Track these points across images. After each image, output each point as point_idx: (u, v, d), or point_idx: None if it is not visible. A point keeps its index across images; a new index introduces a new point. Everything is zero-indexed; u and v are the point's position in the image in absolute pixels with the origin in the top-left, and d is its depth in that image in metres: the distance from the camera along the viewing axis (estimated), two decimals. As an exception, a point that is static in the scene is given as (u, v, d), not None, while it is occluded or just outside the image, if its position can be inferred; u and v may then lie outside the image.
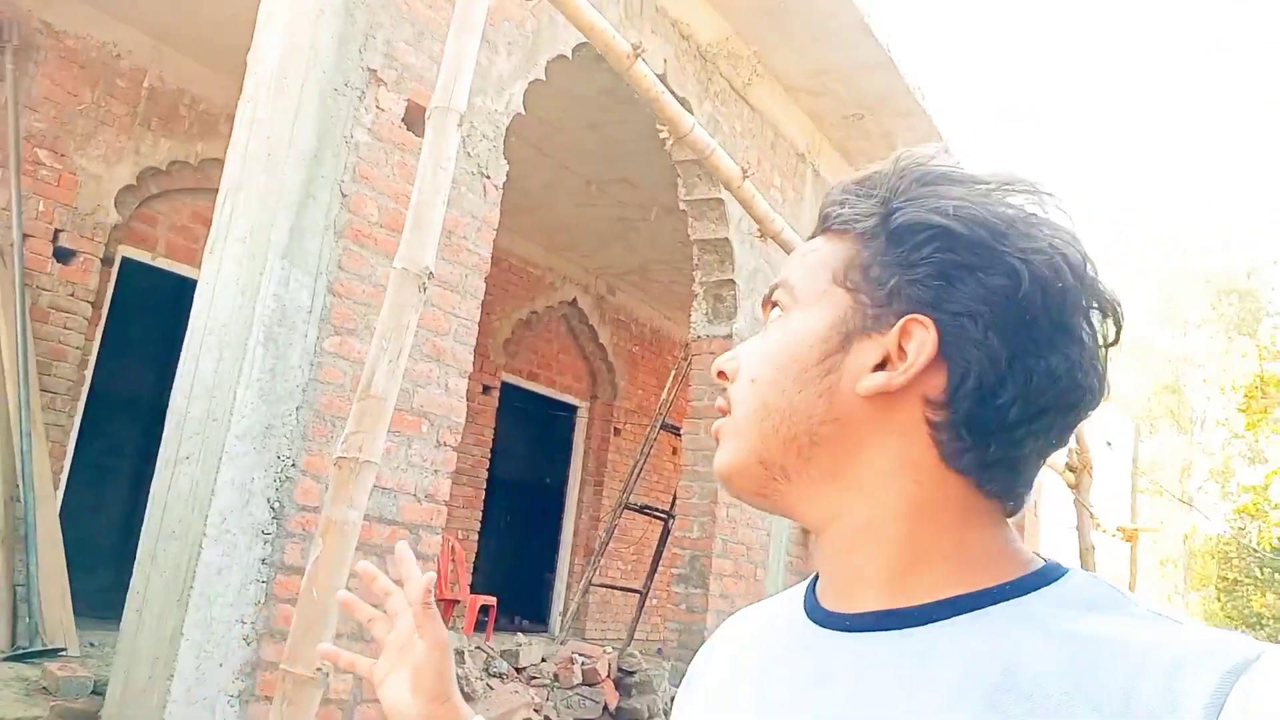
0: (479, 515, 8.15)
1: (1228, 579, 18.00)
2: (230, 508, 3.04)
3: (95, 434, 6.51)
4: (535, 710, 4.17)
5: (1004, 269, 0.57)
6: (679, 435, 5.69)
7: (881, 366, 0.59)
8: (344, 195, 3.40)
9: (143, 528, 3.14)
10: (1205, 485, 23.75)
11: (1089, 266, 0.59)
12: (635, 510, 6.01)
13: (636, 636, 5.92)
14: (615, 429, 9.49)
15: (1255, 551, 18.52)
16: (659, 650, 5.40)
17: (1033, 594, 0.56)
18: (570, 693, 4.56)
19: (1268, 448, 16.64)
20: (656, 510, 6.10)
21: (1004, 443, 0.57)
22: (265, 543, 3.14)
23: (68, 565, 4.98)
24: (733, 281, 5.57)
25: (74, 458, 5.98)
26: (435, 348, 3.72)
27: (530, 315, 8.53)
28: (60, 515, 5.46)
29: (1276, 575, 18.55)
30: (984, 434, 0.57)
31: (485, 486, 8.22)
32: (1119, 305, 0.60)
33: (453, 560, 6.95)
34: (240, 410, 3.07)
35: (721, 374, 0.67)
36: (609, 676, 4.69)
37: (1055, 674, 0.52)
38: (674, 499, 5.60)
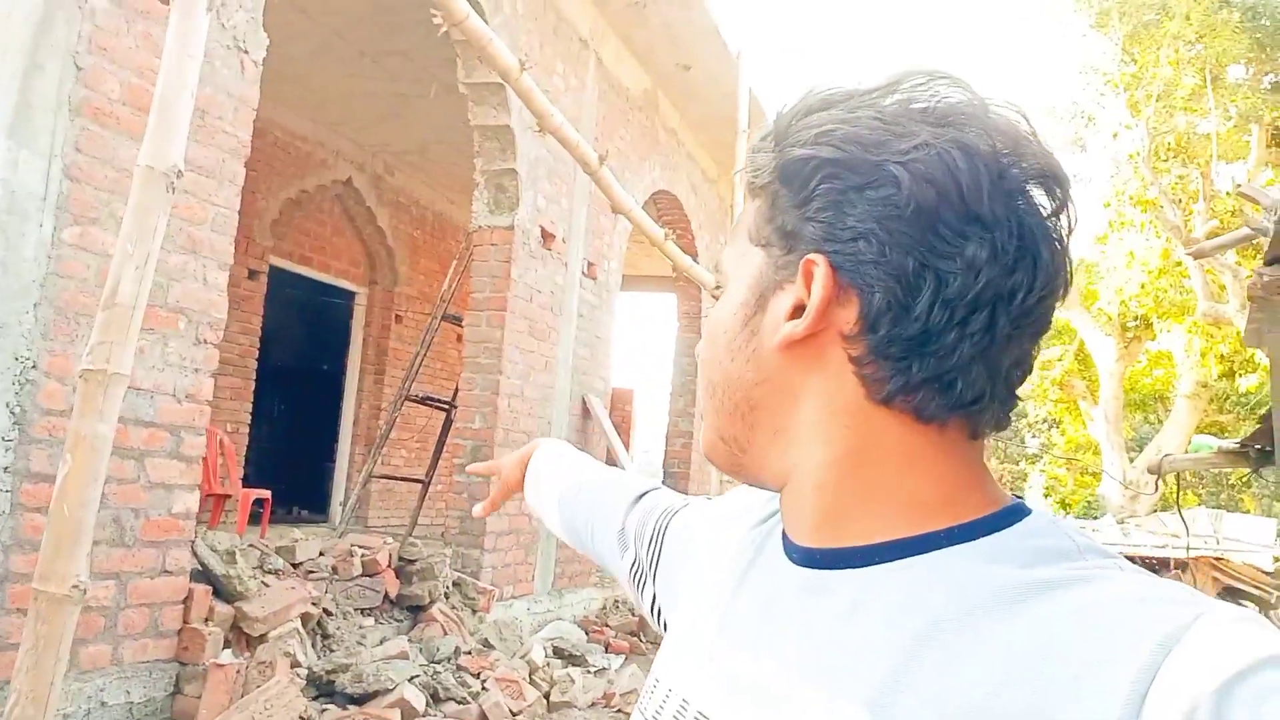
0: (249, 407, 7.81)
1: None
2: (-42, 414, 2.78)
3: None
4: (314, 604, 4.18)
5: (884, 179, 0.53)
6: (461, 326, 5.66)
7: (796, 312, 0.57)
8: (79, 68, 3.05)
9: None
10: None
11: (1000, 142, 0.54)
12: (417, 402, 5.99)
13: (420, 523, 5.98)
14: (397, 316, 9.26)
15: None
16: (441, 535, 5.50)
17: (982, 539, 0.54)
18: (350, 584, 4.59)
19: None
20: (439, 401, 6.10)
21: (931, 356, 0.53)
22: (6, 449, 2.90)
23: None
24: (514, 171, 5.49)
25: None
26: (191, 239, 3.48)
27: (300, 194, 8.04)
28: None
29: (997, 444, 21.22)
30: (905, 355, 0.54)
31: (255, 376, 7.85)
32: (1054, 171, 0.55)
33: (222, 454, 6.66)
34: (-36, 308, 2.78)
35: None
36: (390, 566, 4.75)
37: (981, 630, 0.50)
38: (456, 390, 5.62)
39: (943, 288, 0.52)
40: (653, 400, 12.90)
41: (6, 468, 2.89)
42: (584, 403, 6.33)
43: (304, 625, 4.07)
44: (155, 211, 2.00)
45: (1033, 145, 0.55)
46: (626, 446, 11.12)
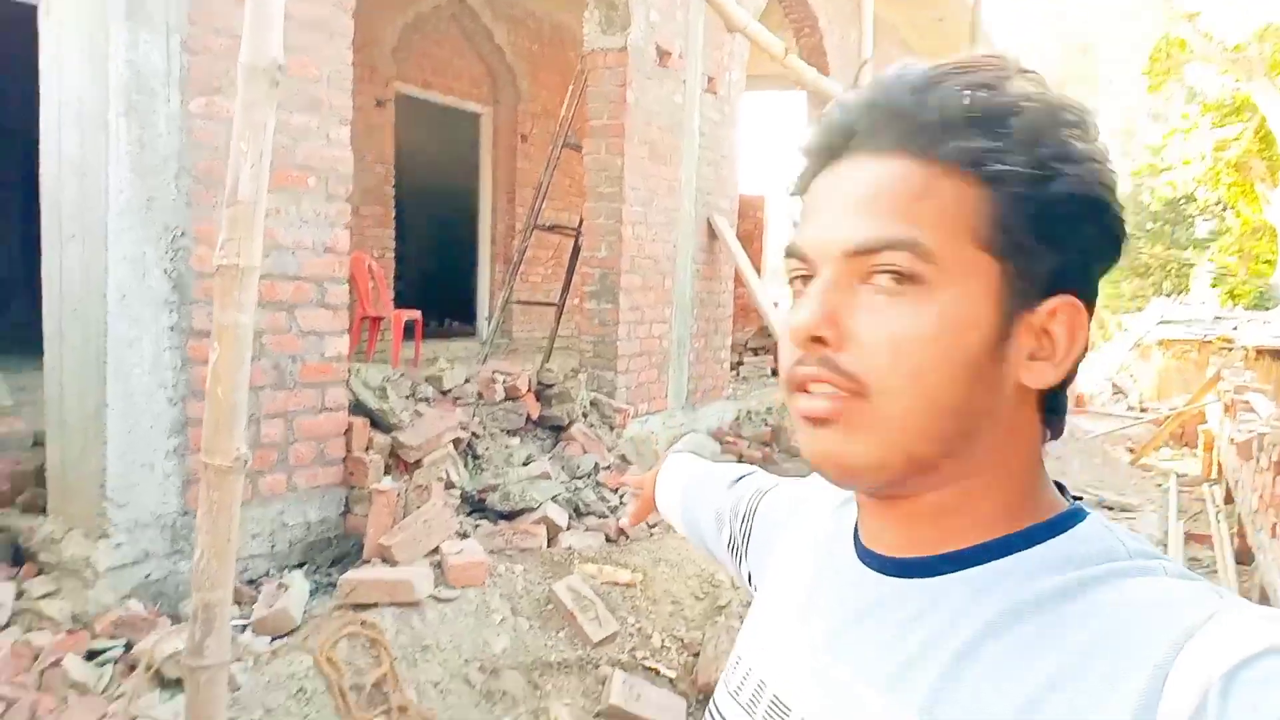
0: (392, 233, 8.15)
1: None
2: (127, 283, 3.06)
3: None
4: (462, 428, 4.52)
5: (1119, 229, 0.57)
6: (581, 152, 5.65)
7: (1040, 347, 0.57)
8: (180, -64, 3.08)
9: (43, 306, 3.17)
10: (1107, 145, 24.32)
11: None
12: (545, 230, 6.10)
13: (556, 346, 6.24)
14: (522, 135, 9.27)
15: (1148, 207, 19.59)
16: (577, 358, 5.74)
17: (1039, 546, 0.57)
18: (495, 408, 4.91)
19: (1168, 109, 17.00)
20: (566, 228, 6.19)
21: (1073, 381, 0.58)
22: (171, 311, 3.20)
23: None
24: (625, -15, 5.26)
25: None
26: (310, 98, 3.57)
27: (416, 18, 7.97)
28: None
29: (1164, 228, 19.80)
30: (1066, 391, 0.58)
31: (394, 202, 8.14)
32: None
33: (372, 279, 7.07)
34: (116, 187, 2.99)
35: (819, 339, 0.57)
36: (530, 390, 5.03)
37: (1025, 635, 0.53)
38: (582, 218, 5.68)
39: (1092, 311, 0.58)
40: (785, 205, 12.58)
41: (172, 327, 3.20)
42: (709, 224, 6.28)
43: (455, 448, 4.43)
44: (262, 107, 2.07)
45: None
46: (759, 259, 11.03)
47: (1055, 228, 0.55)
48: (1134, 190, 19.56)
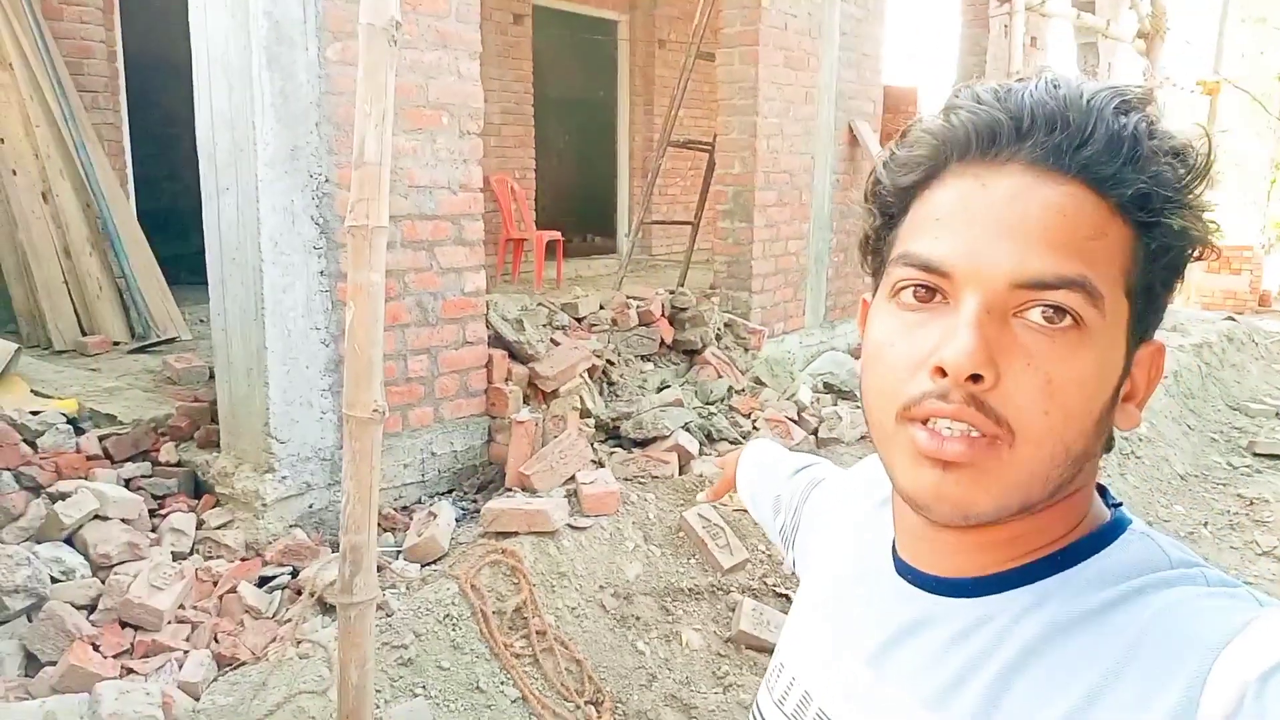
0: (532, 153, 8.21)
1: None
2: (278, 231, 3.23)
3: (145, 105, 6.61)
4: (597, 356, 4.61)
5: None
6: (715, 62, 5.48)
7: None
8: (308, -116, 3.12)
9: (206, 255, 3.40)
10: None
11: None
12: (679, 146, 6.00)
13: (693, 262, 6.21)
14: (660, 41, 9.07)
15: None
16: (711, 279, 5.71)
17: (1083, 564, 0.57)
18: (629, 334, 4.97)
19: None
20: (701, 144, 6.08)
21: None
22: (319, 256, 3.37)
23: (158, 239, 5.33)
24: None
25: (130, 135, 6.17)
26: (439, 34, 3.60)
27: (550, -73, 7.84)
28: (137, 192, 5.73)
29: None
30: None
31: (534, 121, 8.18)
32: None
33: (514, 201, 7.20)
34: (263, 139, 3.14)
35: (974, 377, 0.53)
36: (663, 315, 5.06)
37: (1068, 652, 0.53)
38: (716, 134, 5.55)
39: None
40: (940, 98, 11.90)
41: (322, 271, 3.37)
42: (850, 130, 6.02)
43: (590, 376, 4.53)
44: (383, 68, 2.11)
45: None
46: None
47: (1175, 275, 0.55)
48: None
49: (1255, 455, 5.94)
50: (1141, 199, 0.52)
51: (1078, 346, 0.52)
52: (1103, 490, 0.61)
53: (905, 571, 0.64)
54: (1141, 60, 8.38)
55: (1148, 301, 0.55)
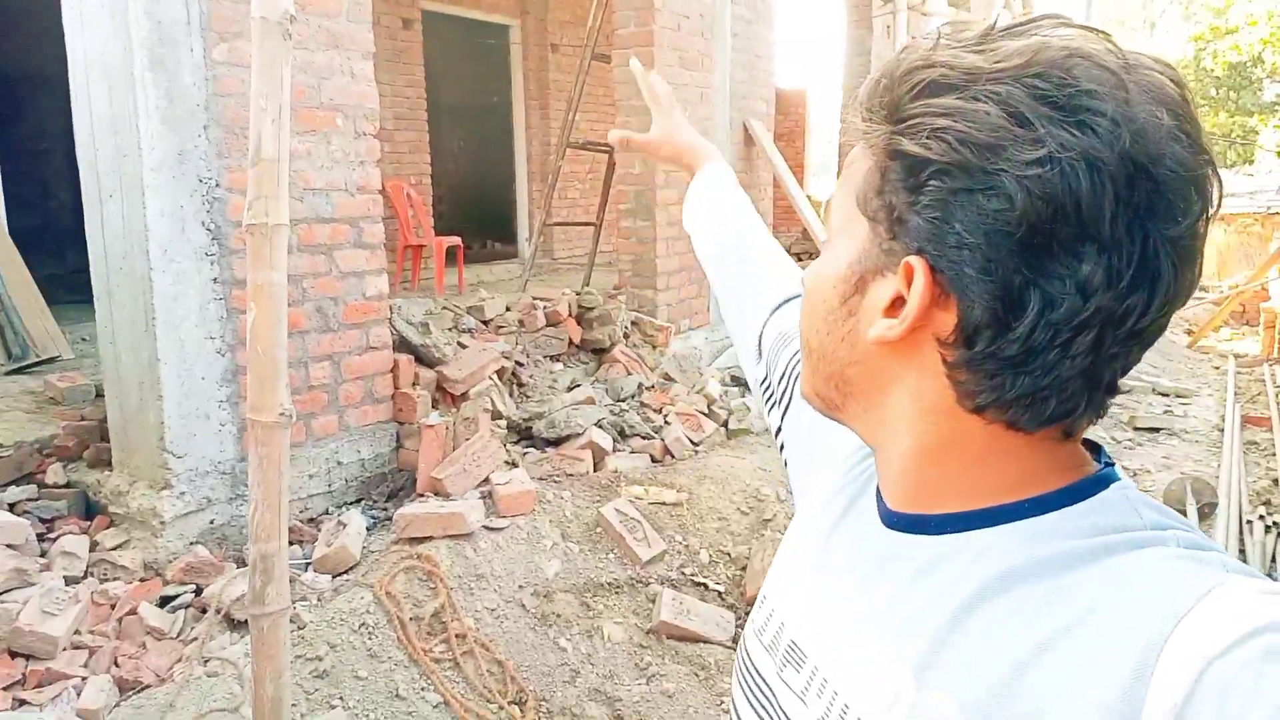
0: (428, 159, 8.10)
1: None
2: (168, 237, 3.11)
3: (13, 120, 6.27)
4: (505, 358, 4.58)
5: (998, 190, 0.50)
6: (610, 64, 5.51)
7: (895, 305, 0.56)
8: (185, -123, 3.02)
9: (90, 265, 3.24)
10: (1168, 9, 23.15)
11: (1135, 144, 0.49)
12: (578, 148, 6.01)
13: (596, 264, 6.23)
14: (553, 45, 9.07)
15: (1210, 72, 18.62)
16: (616, 279, 5.73)
17: (1051, 513, 0.55)
18: (537, 335, 4.95)
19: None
20: (599, 145, 6.10)
21: (1027, 375, 0.52)
22: (212, 263, 3.25)
23: (32, 258, 5.07)
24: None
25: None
26: (330, 34, 3.52)
27: (439, -70, 7.75)
28: (8, 210, 5.44)
29: (1228, 94, 18.83)
30: (1000, 371, 0.53)
31: (427, 126, 8.07)
32: (1193, 173, 0.50)
33: (411, 207, 7.07)
34: (148, 142, 3.02)
35: None
36: (570, 315, 5.06)
37: (1021, 601, 0.53)
38: (613, 133, 5.57)
39: (1048, 310, 0.50)
40: (829, 100, 12.26)
41: (215, 279, 3.26)
42: (745, 129, 6.14)
43: (499, 378, 4.50)
44: (278, 62, 2.06)
45: (1176, 144, 0.49)
46: (801, 157, 10.78)
47: (907, 182, 0.55)
48: (1195, 55, 18.57)
49: (1136, 429, 6.28)
50: (863, 130, 0.59)
51: (821, 256, 0.63)
52: (1097, 449, 0.60)
53: (879, 507, 0.65)
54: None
55: (891, 212, 0.56)
